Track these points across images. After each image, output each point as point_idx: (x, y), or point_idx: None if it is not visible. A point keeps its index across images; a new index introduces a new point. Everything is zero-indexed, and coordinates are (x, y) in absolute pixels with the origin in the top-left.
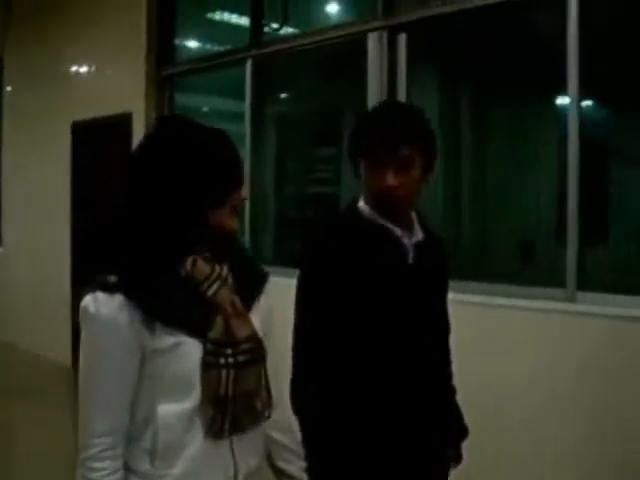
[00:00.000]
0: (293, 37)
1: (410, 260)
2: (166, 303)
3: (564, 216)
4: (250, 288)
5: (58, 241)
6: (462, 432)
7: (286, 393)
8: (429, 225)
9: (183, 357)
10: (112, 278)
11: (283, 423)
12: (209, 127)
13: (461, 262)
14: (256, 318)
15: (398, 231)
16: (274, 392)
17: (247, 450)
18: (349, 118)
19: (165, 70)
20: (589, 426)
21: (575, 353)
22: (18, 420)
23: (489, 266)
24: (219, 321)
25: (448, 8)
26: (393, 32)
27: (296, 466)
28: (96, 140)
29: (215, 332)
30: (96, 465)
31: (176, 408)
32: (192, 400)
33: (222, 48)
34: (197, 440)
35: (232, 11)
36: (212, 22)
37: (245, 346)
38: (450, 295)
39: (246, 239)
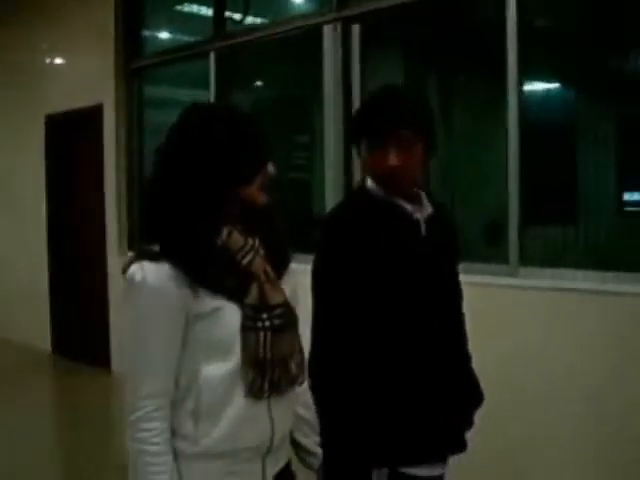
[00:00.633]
0: (253, 29)
1: (423, 233)
2: (208, 270)
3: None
4: (280, 259)
5: (36, 232)
6: (476, 399)
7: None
8: (437, 201)
9: (224, 321)
10: (156, 248)
11: (305, 397)
12: (237, 111)
13: None
14: (286, 287)
15: (409, 207)
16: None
17: (283, 413)
18: (310, 106)
19: (134, 63)
20: (532, 390)
21: (518, 322)
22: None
23: None
24: (254, 288)
25: (399, 0)
26: (347, 23)
27: (312, 440)
28: (69, 132)
29: (251, 298)
30: (146, 425)
31: (218, 370)
32: (233, 362)
33: (192, 39)
34: (238, 401)
35: (200, 3)
36: (181, 14)
37: (278, 311)
38: None
39: None
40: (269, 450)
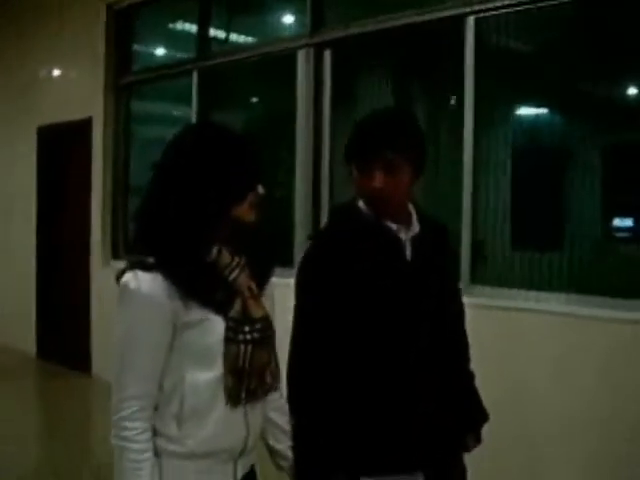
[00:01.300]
0: (233, 51)
1: (408, 256)
2: (199, 283)
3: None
4: (263, 275)
5: (25, 238)
6: (481, 417)
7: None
8: (427, 216)
9: (208, 331)
10: (150, 259)
11: (280, 404)
12: (232, 131)
13: None
14: (266, 300)
15: (394, 226)
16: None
17: (257, 418)
18: (286, 126)
19: (122, 79)
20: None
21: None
22: None
23: None
24: (238, 302)
25: (369, 28)
26: (319, 49)
27: (285, 444)
28: (60, 143)
29: (235, 311)
30: (129, 424)
31: (203, 377)
32: (215, 370)
33: (182, 56)
34: (219, 406)
35: (189, 21)
36: (171, 31)
37: (259, 325)
38: None
39: None
40: (242, 452)
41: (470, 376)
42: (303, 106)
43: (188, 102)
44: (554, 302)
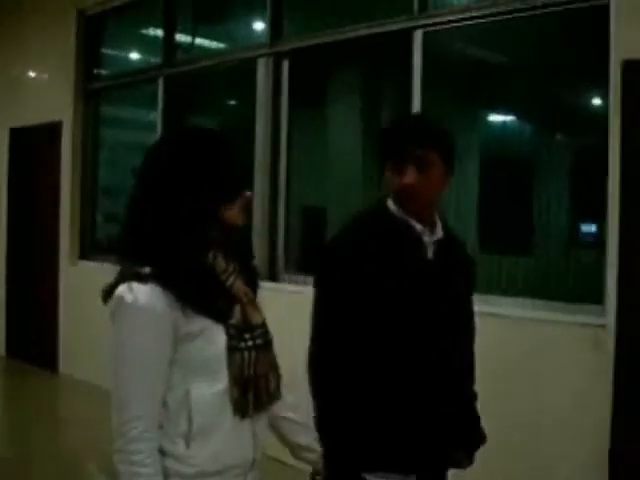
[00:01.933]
0: (198, 58)
1: (430, 256)
2: (196, 291)
3: None
4: (254, 280)
5: None
6: (479, 439)
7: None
8: (451, 229)
9: (210, 341)
10: (145, 269)
11: (289, 400)
12: (220, 134)
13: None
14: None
15: (419, 227)
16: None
17: (262, 427)
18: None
19: (92, 84)
20: None
21: None
22: None
23: None
24: (237, 309)
25: (324, 39)
26: (278, 58)
27: (305, 437)
28: (30, 145)
29: (235, 319)
30: (135, 447)
31: (208, 391)
32: (221, 382)
33: (151, 61)
34: (227, 420)
35: (157, 27)
36: (141, 36)
37: (259, 331)
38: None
39: None
40: (252, 465)
41: (474, 396)
42: (262, 114)
43: (156, 107)
44: (514, 306)
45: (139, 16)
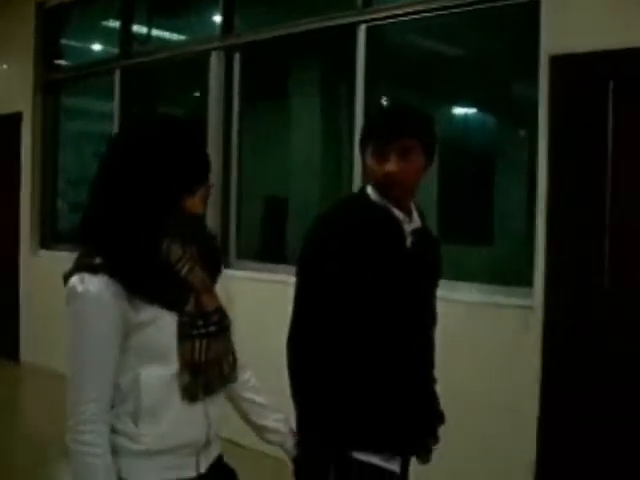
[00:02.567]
0: (154, 50)
1: (408, 244)
2: (146, 281)
3: None
4: (213, 266)
5: None
6: (439, 419)
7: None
8: (425, 221)
9: (162, 330)
10: (96, 260)
11: (252, 384)
12: (183, 123)
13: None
14: (219, 292)
15: (401, 215)
16: (239, 356)
17: (216, 410)
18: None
19: (51, 75)
20: None
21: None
22: None
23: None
24: (191, 297)
25: (274, 33)
26: (230, 52)
27: (270, 418)
28: None
29: (188, 307)
30: (87, 428)
31: (157, 375)
32: (171, 367)
33: (111, 53)
34: (176, 403)
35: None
36: (101, 28)
37: (214, 318)
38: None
39: None
40: (204, 446)
41: (434, 380)
42: (214, 106)
43: (113, 98)
44: (465, 291)
45: (98, 8)
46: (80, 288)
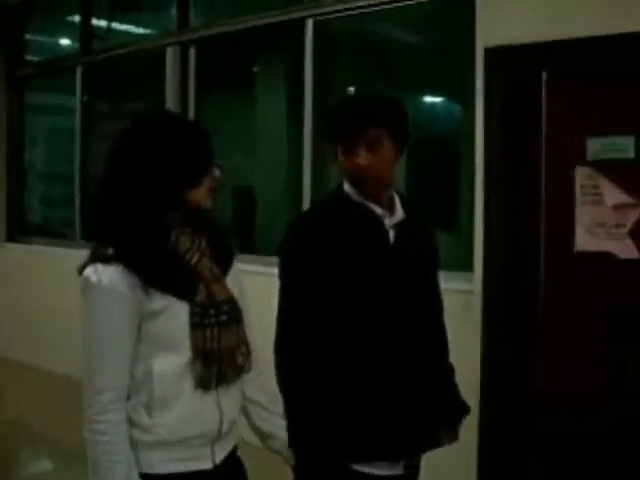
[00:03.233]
0: (113, 46)
1: (391, 240)
2: (159, 271)
3: None
4: (224, 257)
5: None
6: (462, 410)
7: (262, 355)
8: (413, 207)
9: (173, 319)
10: (109, 251)
11: (260, 382)
12: (183, 118)
13: None
14: (231, 283)
15: (379, 210)
16: (252, 349)
17: (230, 401)
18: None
19: (16, 71)
20: None
21: None
22: None
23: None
24: (202, 286)
25: (227, 28)
26: (185, 47)
27: (272, 423)
28: None
29: (199, 296)
30: (103, 418)
31: (170, 364)
32: (183, 356)
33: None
34: (188, 392)
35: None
36: (63, 25)
37: (225, 307)
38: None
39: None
40: (218, 436)
41: (450, 369)
42: (171, 101)
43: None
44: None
45: (61, 4)
46: (94, 278)
